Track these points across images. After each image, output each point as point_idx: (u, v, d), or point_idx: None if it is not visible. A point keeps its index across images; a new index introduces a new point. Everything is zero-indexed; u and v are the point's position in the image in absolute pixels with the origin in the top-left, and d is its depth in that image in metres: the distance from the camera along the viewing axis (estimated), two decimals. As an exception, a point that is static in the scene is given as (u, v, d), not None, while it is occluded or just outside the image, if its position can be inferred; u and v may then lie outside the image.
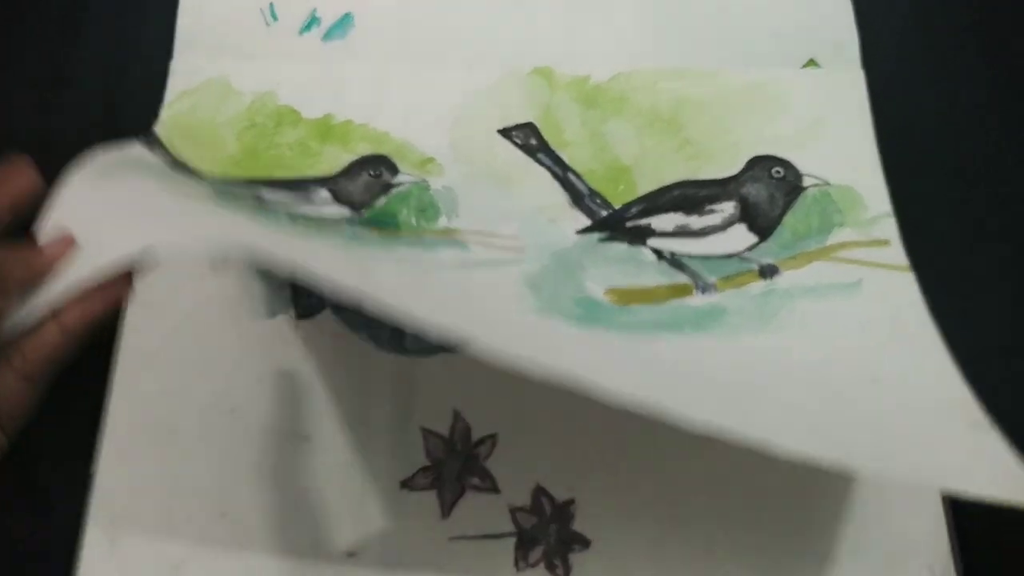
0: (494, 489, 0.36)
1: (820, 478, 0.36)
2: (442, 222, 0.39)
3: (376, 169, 0.40)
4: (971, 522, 0.36)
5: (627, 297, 0.37)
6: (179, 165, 0.39)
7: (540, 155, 0.41)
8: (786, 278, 0.38)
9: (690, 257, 0.38)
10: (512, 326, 0.33)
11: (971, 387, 0.34)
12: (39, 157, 0.33)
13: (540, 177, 0.41)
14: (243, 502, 0.35)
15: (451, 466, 0.36)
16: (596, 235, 0.39)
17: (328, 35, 0.43)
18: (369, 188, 0.40)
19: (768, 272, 0.38)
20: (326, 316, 0.38)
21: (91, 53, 0.43)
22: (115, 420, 0.36)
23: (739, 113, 0.42)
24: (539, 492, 0.36)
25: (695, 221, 0.39)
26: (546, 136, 0.41)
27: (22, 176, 0.32)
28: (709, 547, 0.35)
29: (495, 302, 0.35)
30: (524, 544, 0.35)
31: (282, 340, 0.38)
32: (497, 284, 0.36)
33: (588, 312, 0.35)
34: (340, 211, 0.39)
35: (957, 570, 0.35)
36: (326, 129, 0.41)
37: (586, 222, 0.39)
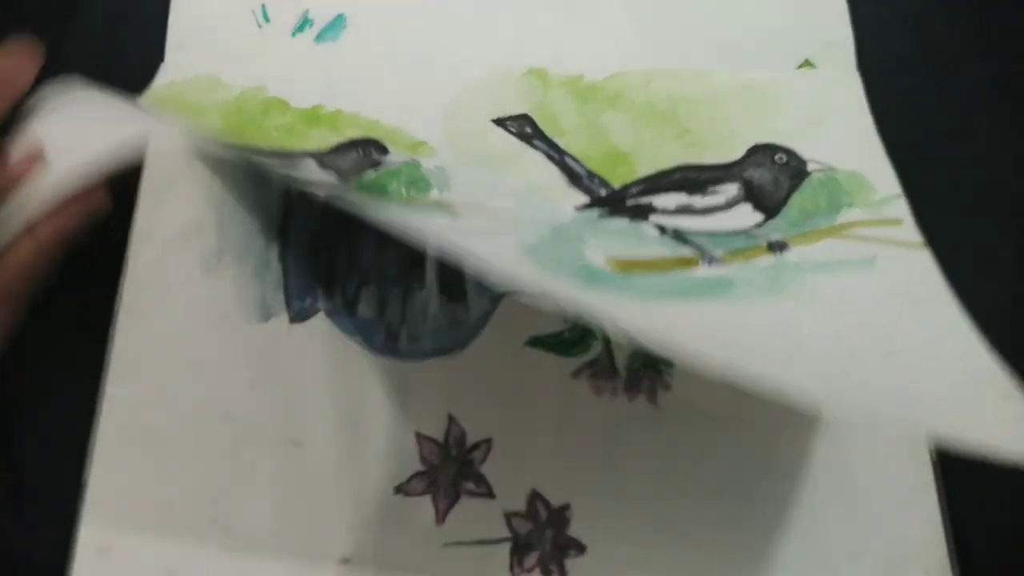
0: (489, 494, 0.36)
1: (818, 484, 0.36)
2: (433, 195, 0.39)
3: (366, 149, 0.40)
4: (968, 528, 0.35)
5: (629, 266, 0.36)
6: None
7: (535, 141, 0.40)
8: (796, 253, 0.36)
9: (694, 233, 0.38)
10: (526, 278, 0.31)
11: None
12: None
13: (536, 160, 0.40)
14: (236, 508, 0.35)
15: (446, 471, 0.36)
16: (596, 211, 0.38)
17: (320, 37, 0.43)
18: (358, 164, 0.39)
19: (777, 247, 0.37)
20: (319, 320, 0.38)
21: (81, 56, 0.43)
22: (107, 425, 0.36)
23: (735, 110, 0.42)
24: (534, 497, 0.36)
25: (698, 200, 0.39)
26: (542, 127, 0.41)
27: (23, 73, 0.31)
28: (705, 553, 0.35)
29: (498, 262, 0.34)
30: (519, 550, 0.35)
31: (275, 344, 0.38)
32: (494, 250, 0.35)
33: (590, 277, 0.35)
34: (328, 177, 0.39)
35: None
36: (315, 116, 0.41)
37: (585, 200, 0.39)
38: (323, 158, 0.39)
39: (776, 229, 0.38)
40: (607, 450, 0.36)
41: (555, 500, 0.36)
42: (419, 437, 0.36)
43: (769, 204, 0.38)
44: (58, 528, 0.35)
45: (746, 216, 0.38)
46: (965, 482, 0.36)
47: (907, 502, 0.36)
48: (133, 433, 0.36)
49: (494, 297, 0.39)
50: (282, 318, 0.38)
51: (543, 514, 0.35)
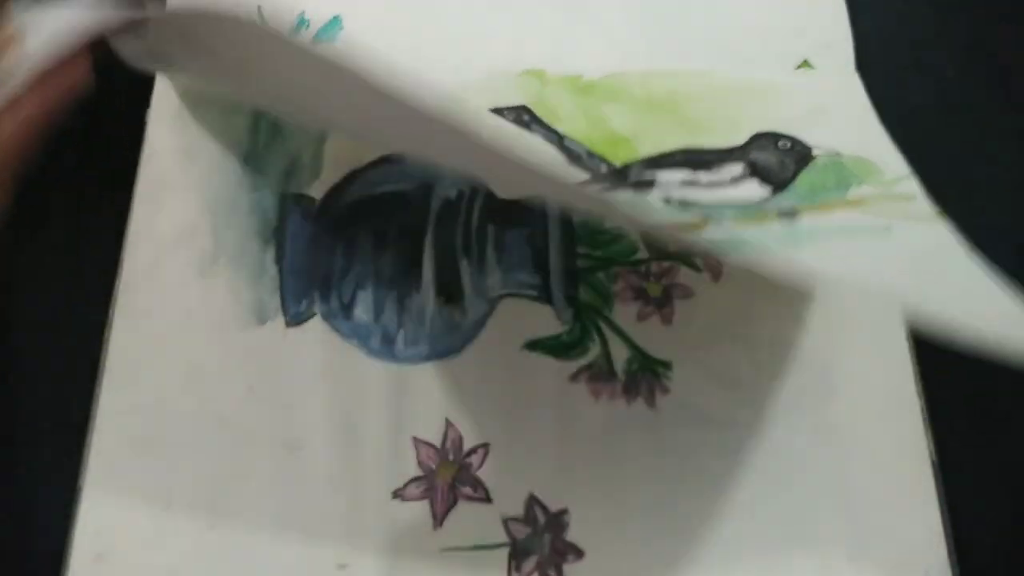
0: (487, 499, 0.35)
1: (817, 485, 0.36)
2: None
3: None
4: (968, 528, 0.35)
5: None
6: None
7: (533, 126, 0.40)
8: (808, 220, 0.35)
9: (701, 204, 0.37)
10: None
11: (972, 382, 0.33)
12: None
13: (534, 142, 0.40)
14: (233, 513, 0.35)
15: (443, 476, 0.36)
16: (597, 186, 0.38)
17: (316, 38, 0.43)
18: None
19: (788, 214, 0.36)
20: (316, 323, 0.38)
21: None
22: (102, 432, 0.36)
23: (736, 104, 0.41)
24: (532, 502, 0.35)
25: (703, 176, 0.38)
26: (540, 117, 0.41)
27: None
28: (705, 555, 0.35)
29: None
30: (517, 555, 0.35)
31: (271, 348, 0.37)
32: None
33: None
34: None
35: (954, 577, 0.35)
36: None
37: (585, 177, 0.38)
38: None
39: (785, 200, 0.37)
40: (605, 454, 0.36)
41: (553, 505, 0.35)
42: (416, 441, 0.36)
43: (775, 181, 0.38)
44: (54, 535, 0.34)
45: (753, 190, 0.37)
46: (965, 482, 0.36)
47: (907, 503, 0.36)
48: (129, 438, 0.36)
49: (491, 299, 0.38)
50: (278, 322, 0.38)
51: (541, 519, 0.35)
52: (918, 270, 0.33)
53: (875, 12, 0.44)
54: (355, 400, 0.37)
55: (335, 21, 0.43)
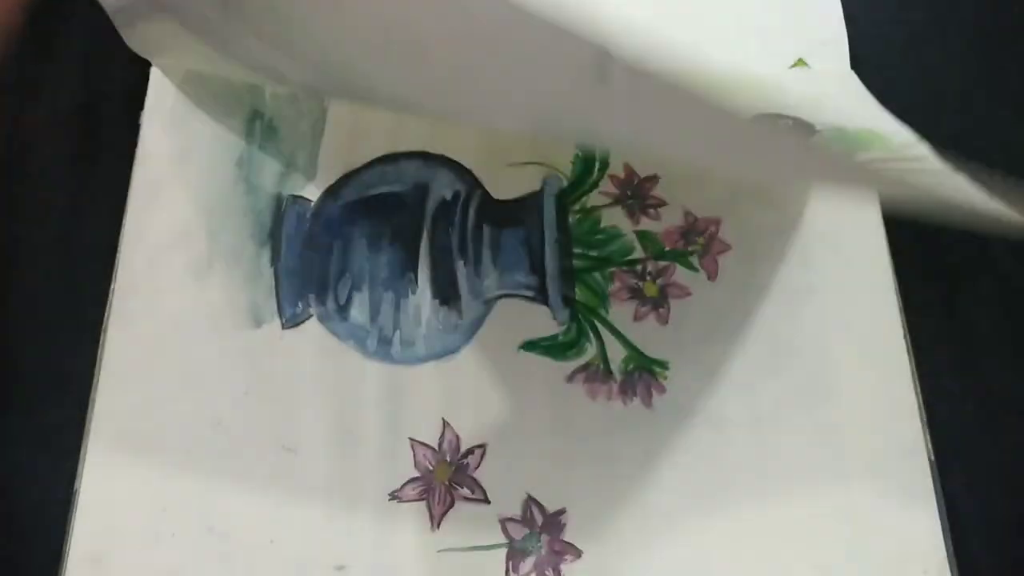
0: (484, 500, 0.35)
1: (815, 484, 0.36)
2: None
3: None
4: (968, 527, 0.35)
5: None
6: None
7: None
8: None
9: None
10: None
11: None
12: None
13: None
14: (230, 516, 0.35)
15: (440, 477, 0.36)
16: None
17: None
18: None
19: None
20: (312, 325, 0.38)
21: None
22: (98, 436, 0.36)
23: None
24: (530, 502, 0.35)
25: None
26: None
27: None
28: (703, 555, 0.35)
29: None
30: (515, 555, 0.35)
31: (267, 350, 0.37)
32: None
33: None
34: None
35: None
36: None
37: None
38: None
39: None
40: (603, 454, 0.36)
41: (551, 505, 0.35)
42: (413, 443, 0.36)
43: None
44: (49, 539, 0.34)
45: None
46: (964, 482, 0.36)
47: (905, 502, 0.36)
48: (124, 442, 0.36)
49: (488, 300, 0.38)
50: (274, 324, 0.38)
51: (538, 519, 0.35)
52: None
53: (870, 10, 0.44)
54: (352, 401, 0.37)
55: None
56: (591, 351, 0.38)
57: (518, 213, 0.40)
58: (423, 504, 0.35)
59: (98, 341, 0.37)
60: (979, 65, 0.44)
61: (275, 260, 0.39)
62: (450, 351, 0.38)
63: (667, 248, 0.40)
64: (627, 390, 0.37)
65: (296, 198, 0.40)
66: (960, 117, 0.43)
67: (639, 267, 0.39)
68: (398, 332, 0.38)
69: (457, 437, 0.36)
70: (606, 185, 0.41)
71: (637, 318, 0.38)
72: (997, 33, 0.44)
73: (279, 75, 0.37)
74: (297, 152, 0.41)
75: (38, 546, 0.35)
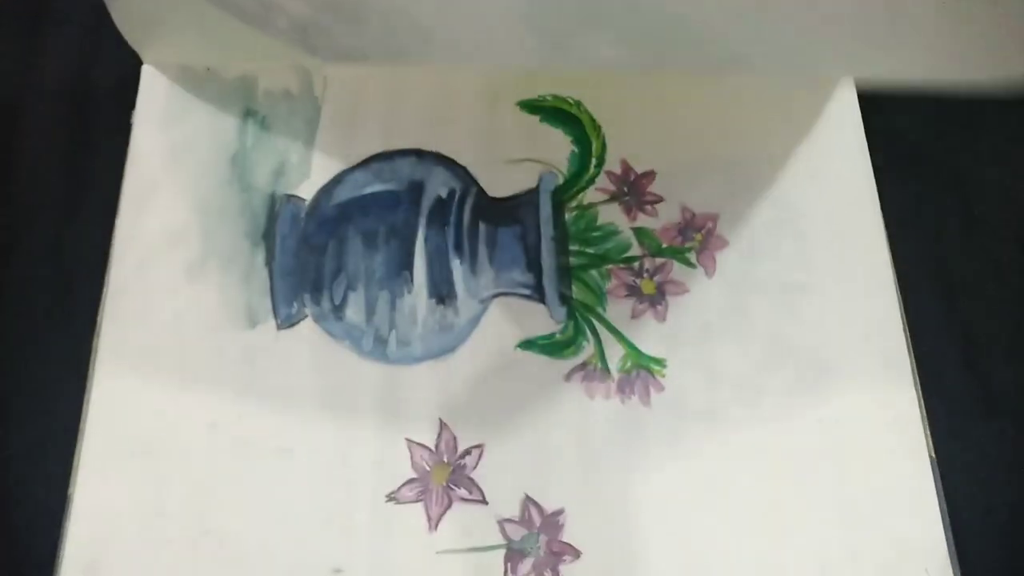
0: (482, 500, 0.35)
1: (816, 483, 0.36)
2: None
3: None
4: (969, 526, 0.35)
5: None
6: None
7: None
8: None
9: None
10: None
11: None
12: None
13: None
14: (226, 519, 0.35)
15: (438, 478, 0.35)
16: None
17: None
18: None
19: None
20: (307, 326, 0.38)
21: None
22: (92, 439, 0.35)
23: None
24: (528, 502, 0.35)
25: None
26: None
27: None
28: (702, 555, 0.35)
29: None
30: (513, 556, 0.34)
31: (262, 351, 0.37)
32: None
33: None
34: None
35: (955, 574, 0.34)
36: None
37: None
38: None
39: None
40: (601, 453, 0.36)
41: (549, 505, 0.35)
42: (410, 443, 0.36)
43: None
44: (43, 544, 0.34)
45: None
46: (965, 481, 0.36)
47: (907, 501, 0.35)
48: (119, 445, 0.35)
49: (484, 299, 0.38)
50: (269, 325, 0.37)
51: (537, 520, 0.35)
52: None
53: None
54: (348, 402, 0.36)
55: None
56: (588, 349, 0.37)
57: (514, 210, 0.40)
58: (420, 505, 0.35)
59: (91, 343, 0.37)
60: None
61: (269, 260, 0.39)
62: (446, 350, 0.37)
63: (664, 245, 0.39)
64: (625, 388, 0.37)
65: (290, 197, 0.40)
66: (959, 116, 0.42)
67: (636, 264, 0.39)
68: (394, 332, 0.37)
69: (454, 437, 0.36)
70: (602, 181, 0.41)
71: (635, 316, 0.38)
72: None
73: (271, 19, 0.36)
74: (291, 150, 0.41)
75: (32, 553, 0.34)
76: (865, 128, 0.41)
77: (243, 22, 0.37)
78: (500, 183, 0.40)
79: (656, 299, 0.38)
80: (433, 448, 0.36)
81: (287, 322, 0.38)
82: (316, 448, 0.36)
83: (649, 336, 0.38)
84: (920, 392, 0.37)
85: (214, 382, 0.36)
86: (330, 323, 0.38)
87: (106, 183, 0.39)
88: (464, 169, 0.40)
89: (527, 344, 0.37)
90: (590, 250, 0.39)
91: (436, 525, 0.35)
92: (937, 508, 0.35)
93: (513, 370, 0.37)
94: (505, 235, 0.39)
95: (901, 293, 0.38)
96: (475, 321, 0.38)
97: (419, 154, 0.41)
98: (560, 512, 0.35)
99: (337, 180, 0.40)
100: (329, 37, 0.38)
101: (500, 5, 0.32)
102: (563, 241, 0.39)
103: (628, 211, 0.40)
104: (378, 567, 0.34)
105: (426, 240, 0.39)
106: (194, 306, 0.38)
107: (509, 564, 0.34)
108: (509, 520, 0.35)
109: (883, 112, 0.41)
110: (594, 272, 0.39)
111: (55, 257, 0.39)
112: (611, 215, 0.40)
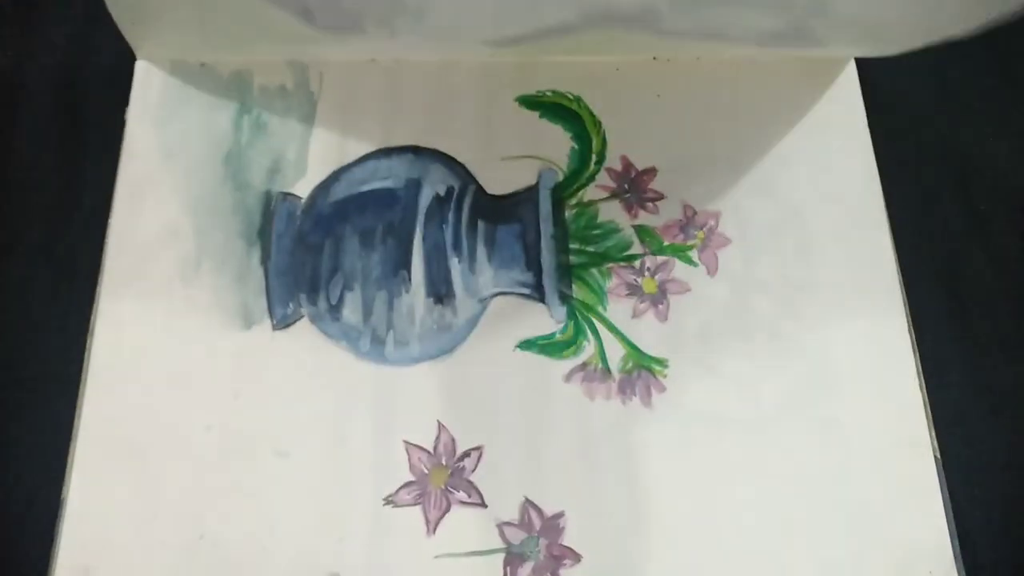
0: (481, 504, 0.35)
1: (820, 485, 0.35)
2: None
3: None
4: (975, 529, 0.35)
5: None
6: None
7: None
8: None
9: None
10: None
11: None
12: None
13: None
14: (221, 522, 0.34)
15: (436, 480, 0.35)
16: None
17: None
18: None
19: None
20: (303, 326, 0.37)
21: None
22: (85, 442, 0.35)
23: None
24: (527, 506, 0.35)
25: None
26: None
27: None
28: (705, 558, 0.34)
29: None
30: (513, 560, 0.34)
31: (258, 353, 0.37)
32: None
33: None
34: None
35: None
36: None
37: None
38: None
39: None
40: (602, 455, 0.35)
41: (549, 508, 0.35)
42: (408, 445, 0.35)
43: None
44: (36, 549, 0.34)
45: None
46: (970, 482, 0.36)
47: (911, 501, 0.35)
48: (113, 448, 0.35)
49: (483, 299, 0.38)
50: (264, 325, 0.37)
51: (537, 523, 0.34)
52: None
53: None
54: (344, 404, 0.36)
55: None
56: (589, 349, 0.37)
57: (513, 208, 0.39)
58: (418, 509, 0.35)
59: (84, 344, 0.36)
60: (984, 63, 0.43)
61: (265, 259, 0.38)
62: (445, 351, 0.37)
63: (666, 243, 0.39)
64: (626, 389, 0.36)
65: (286, 195, 0.39)
66: (958, 115, 0.42)
67: (637, 262, 0.39)
68: (391, 332, 0.37)
69: (453, 439, 0.36)
70: (603, 178, 0.40)
71: (636, 315, 0.38)
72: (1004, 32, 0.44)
73: None
74: (287, 147, 0.40)
75: (24, 557, 0.34)
76: (868, 123, 0.40)
77: None
78: (499, 180, 0.40)
79: (658, 298, 0.38)
80: (431, 450, 0.35)
81: (283, 323, 0.37)
82: (312, 451, 0.35)
83: (650, 336, 0.37)
84: (925, 391, 0.36)
85: (209, 384, 0.36)
86: (326, 324, 0.37)
87: (99, 181, 0.39)
88: (462, 166, 0.40)
89: (527, 344, 0.37)
90: (590, 248, 0.39)
91: (434, 529, 0.34)
92: (942, 509, 0.35)
93: (512, 371, 0.36)
94: (504, 233, 0.39)
95: (905, 290, 0.37)
96: (474, 321, 0.37)
97: (417, 151, 0.40)
98: (560, 515, 0.35)
99: (333, 178, 0.40)
100: None
101: None
102: (563, 239, 0.39)
103: (629, 208, 0.40)
104: (375, 572, 0.34)
105: (424, 238, 0.38)
106: (188, 306, 0.37)
107: (509, 568, 0.34)
108: (508, 523, 0.34)
109: (887, 109, 0.40)
110: (595, 271, 0.38)
111: (48, 257, 0.39)
112: (612, 213, 0.39)
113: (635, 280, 0.38)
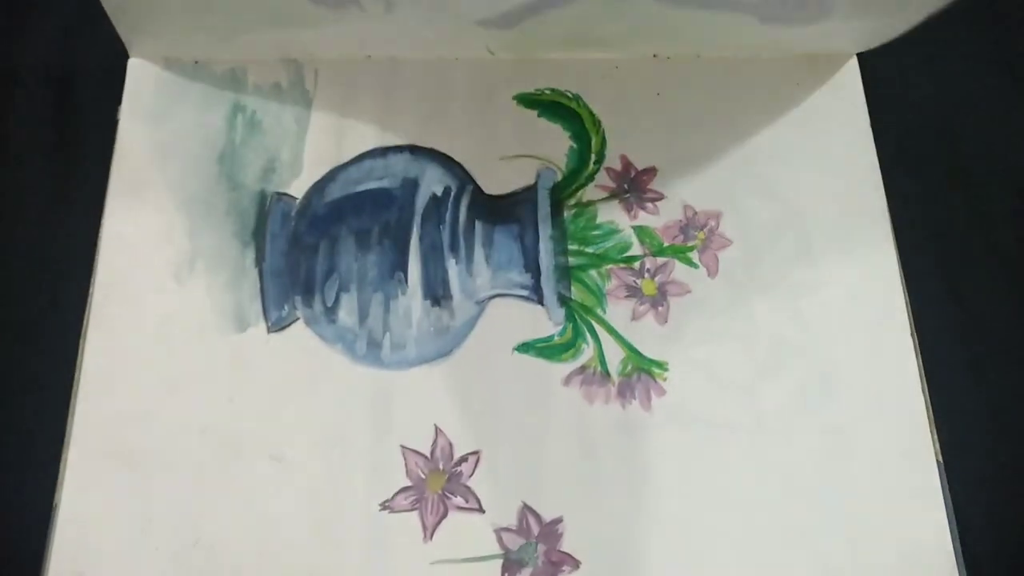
0: (478, 509, 0.34)
1: (821, 487, 0.35)
2: None
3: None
4: (977, 533, 0.34)
5: None
6: None
7: None
8: None
9: None
10: None
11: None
12: None
13: None
14: (216, 528, 0.34)
15: (433, 485, 0.35)
16: None
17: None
18: None
19: None
20: (298, 329, 0.37)
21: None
22: (78, 446, 0.34)
23: None
24: (525, 511, 0.34)
25: None
26: None
27: None
28: (705, 563, 0.34)
29: None
30: (511, 566, 0.34)
31: (252, 356, 0.36)
32: None
33: None
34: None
35: (963, 583, 0.34)
36: None
37: None
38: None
39: None
40: (601, 460, 0.35)
41: (547, 514, 0.34)
42: (404, 450, 0.35)
43: None
44: (28, 555, 0.33)
45: None
46: (971, 484, 0.35)
47: (913, 504, 0.35)
48: (106, 452, 0.35)
49: (480, 301, 0.37)
50: (259, 328, 0.37)
51: (535, 529, 0.34)
52: None
53: None
54: (340, 408, 0.35)
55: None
56: (588, 352, 0.37)
57: (511, 208, 0.39)
58: (415, 514, 0.34)
59: (77, 347, 0.36)
60: (988, 61, 0.42)
61: (260, 260, 0.38)
62: (442, 354, 0.36)
63: (666, 244, 0.39)
64: (625, 392, 0.36)
65: (281, 195, 0.39)
66: (959, 114, 0.41)
67: (637, 264, 0.38)
68: (388, 335, 0.37)
69: (450, 444, 0.35)
70: (602, 178, 0.40)
71: (635, 317, 0.37)
72: (1008, 31, 0.43)
73: None
74: (281, 147, 0.40)
75: (15, 564, 0.34)
76: (871, 123, 0.40)
77: None
78: (497, 180, 0.39)
79: (657, 300, 0.38)
80: (428, 455, 0.35)
81: (278, 325, 0.37)
82: (308, 456, 0.35)
83: (650, 338, 0.37)
84: (927, 395, 0.36)
85: (204, 387, 0.36)
86: (322, 326, 0.37)
87: (92, 180, 0.38)
88: (460, 166, 0.39)
89: (525, 347, 0.37)
90: (589, 249, 0.38)
91: (431, 534, 0.34)
92: (944, 514, 0.34)
93: (510, 374, 0.36)
94: (502, 234, 0.38)
95: (907, 292, 0.37)
96: (471, 323, 0.37)
97: (413, 150, 0.40)
98: (559, 521, 0.34)
99: (329, 177, 0.39)
100: None
101: None
102: (562, 240, 0.38)
103: (628, 209, 0.39)
104: (372, 577, 0.33)
105: (421, 239, 0.38)
106: (182, 308, 0.37)
107: (507, 574, 0.34)
108: (506, 529, 0.34)
109: (889, 107, 0.40)
110: (594, 272, 0.38)
111: (39, 258, 0.39)
112: (611, 213, 0.39)
113: (635, 282, 0.38)
